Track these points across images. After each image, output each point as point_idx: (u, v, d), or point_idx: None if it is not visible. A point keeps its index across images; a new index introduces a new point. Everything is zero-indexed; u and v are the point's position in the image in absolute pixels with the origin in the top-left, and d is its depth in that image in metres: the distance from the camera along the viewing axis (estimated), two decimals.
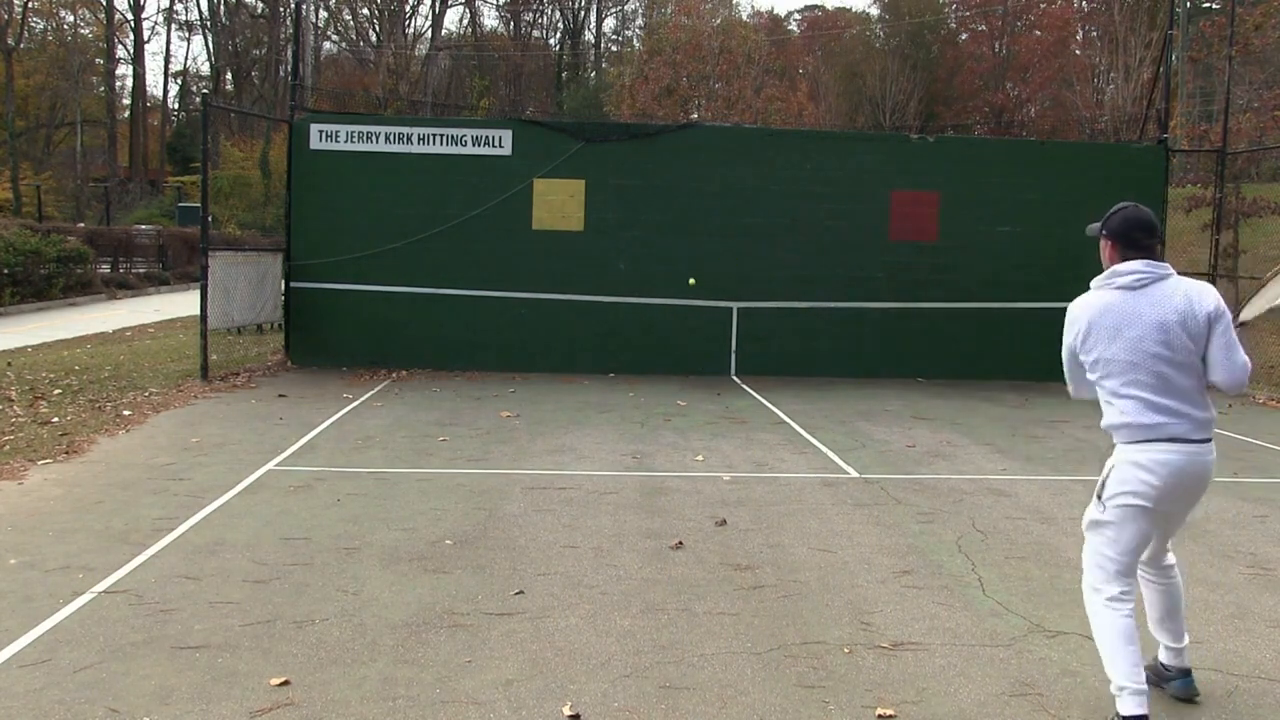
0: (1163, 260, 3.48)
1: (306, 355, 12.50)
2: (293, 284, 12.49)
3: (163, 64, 78.87)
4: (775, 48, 41.81)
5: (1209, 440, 3.41)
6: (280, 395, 10.20)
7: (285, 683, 3.63)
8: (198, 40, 66.30)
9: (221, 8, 54.67)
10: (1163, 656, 3.74)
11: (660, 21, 39.54)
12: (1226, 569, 5.27)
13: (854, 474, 7.36)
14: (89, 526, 5.49)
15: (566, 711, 3.46)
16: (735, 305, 12.70)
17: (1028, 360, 12.31)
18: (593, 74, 55.32)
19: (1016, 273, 12.92)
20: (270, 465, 7.10)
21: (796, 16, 62.24)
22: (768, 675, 3.81)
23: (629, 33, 57.77)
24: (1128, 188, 13.17)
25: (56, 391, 9.93)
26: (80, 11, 52.18)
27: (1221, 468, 7.88)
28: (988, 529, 5.94)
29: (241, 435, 8.13)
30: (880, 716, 3.49)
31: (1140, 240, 3.47)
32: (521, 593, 4.63)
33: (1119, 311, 3.42)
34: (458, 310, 12.50)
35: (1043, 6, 49.32)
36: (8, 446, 7.40)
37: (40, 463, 6.97)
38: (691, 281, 10.70)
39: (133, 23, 54.27)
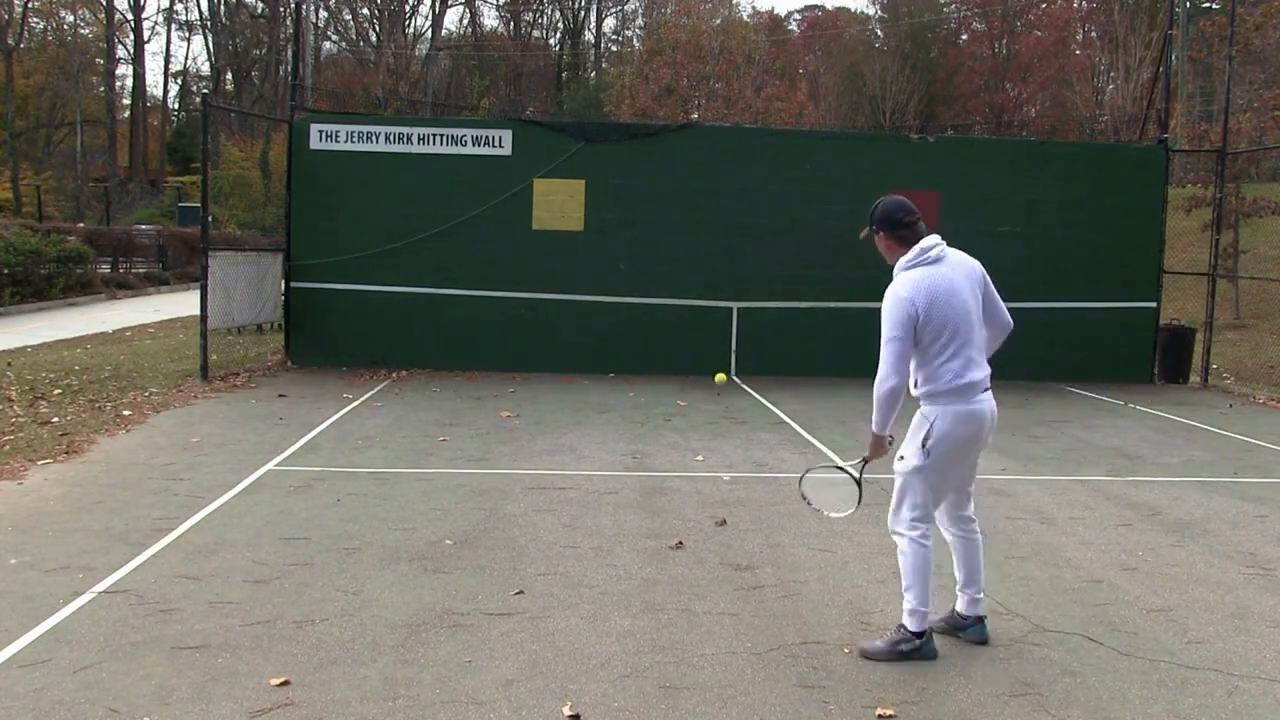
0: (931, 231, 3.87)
1: (306, 355, 12.50)
2: (293, 284, 12.49)
3: (163, 64, 78.94)
4: (775, 48, 41.84)
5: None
6: (280, 395, 10.20)
7: (285, 683, 3.63)
8: (198, 40, 66.34)
9: (221, 8, 54.71)
10: (960, 607, 4.18)
11: (660, 21, 39.58)
12: (1226, 569, 5.26)
13: (854, 474, 7.34)
14: (89, 526, 5.49)
15: (566, 711, 3.46)
16: (735, 305, 12.69)
17: (1027, 360, 12.26)
18: (593, 74, 55.36)
19: (1016, 273, 12.88)
20: (270, 465, 7.10)
21: (796, 16, 62.42)
22: (768, 675, 3.81)
23: (629, 33, 57.91)
24: (1128, 188, 13.25)
25: (56, 391, 9.94)
26: (80, 11, 52.21)
27: (1222, 467, 7.90)
28: (988, 529, 5.89)
29: (241, 435, 8.13)
30: (880, 716, 3.49)
31: (904, 219, 3.85)
32: (521, 593, 4.63)
33: (943, 282, 3.78)
34: (458, 310, 12.49)
35: (1043, 6, 49.38)
36: (8, 446, 7.40)
37: (40, 463, 6.97)
38: (719, 378, 11.26)
39: (133, 23, 54.31)
